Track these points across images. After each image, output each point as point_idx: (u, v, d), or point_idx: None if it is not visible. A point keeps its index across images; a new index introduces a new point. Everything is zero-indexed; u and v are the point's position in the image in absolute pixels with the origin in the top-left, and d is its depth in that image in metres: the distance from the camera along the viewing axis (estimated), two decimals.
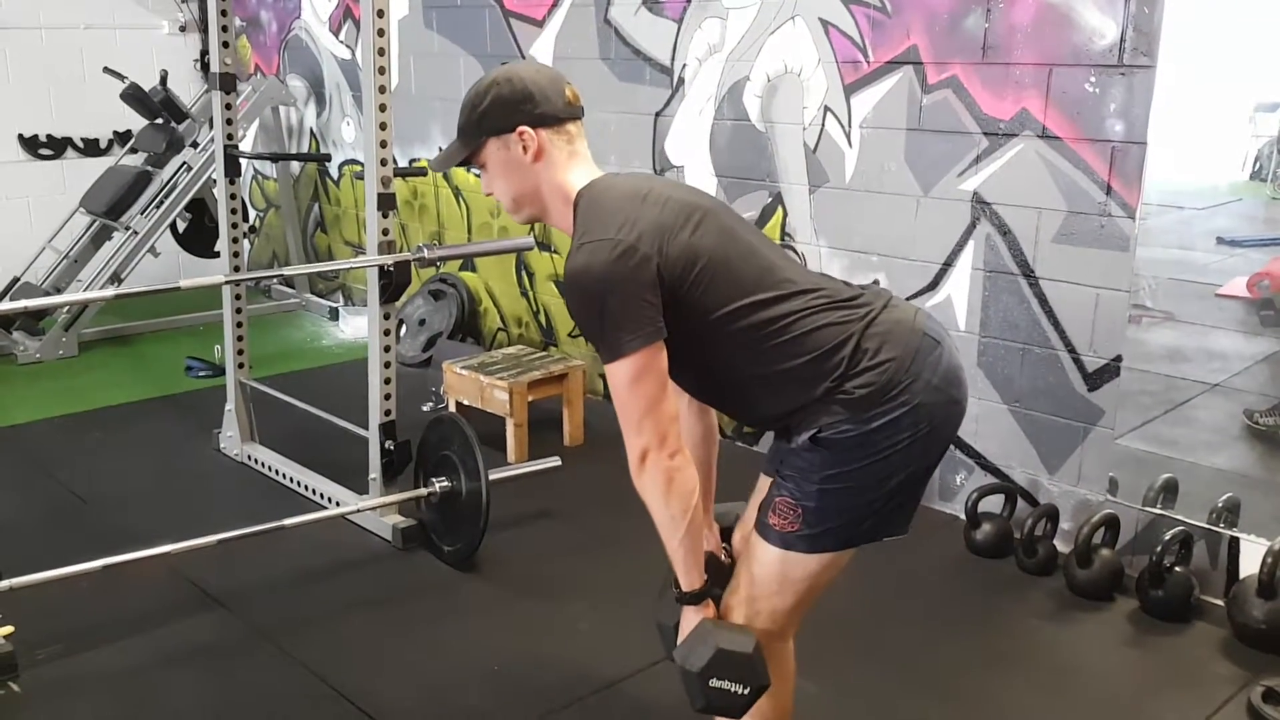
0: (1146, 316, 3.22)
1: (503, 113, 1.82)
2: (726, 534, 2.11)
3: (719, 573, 1.96)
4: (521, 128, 1.82)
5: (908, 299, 3.55)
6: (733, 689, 1.74)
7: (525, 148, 1.83)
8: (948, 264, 3.48)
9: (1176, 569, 3.01)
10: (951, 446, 3.49)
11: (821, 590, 1.93)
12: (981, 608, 3.10)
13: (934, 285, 3.52)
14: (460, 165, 1.93)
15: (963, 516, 3.43)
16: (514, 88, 1.82)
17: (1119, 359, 3.17)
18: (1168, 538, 3.00)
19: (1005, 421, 3.44)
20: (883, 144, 3.57)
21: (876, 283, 3.67)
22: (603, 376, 4.67)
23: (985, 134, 3.31)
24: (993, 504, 3.40)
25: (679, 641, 1.83)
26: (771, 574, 1.87)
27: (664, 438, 1.72)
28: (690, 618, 1.83)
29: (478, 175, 1.96)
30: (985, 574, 3.28)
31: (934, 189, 3.47)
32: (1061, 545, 3.28)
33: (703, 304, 1.75)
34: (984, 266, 3.40)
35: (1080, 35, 3.07)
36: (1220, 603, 3.00)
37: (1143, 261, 3.10)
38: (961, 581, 3.25)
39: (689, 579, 1.81)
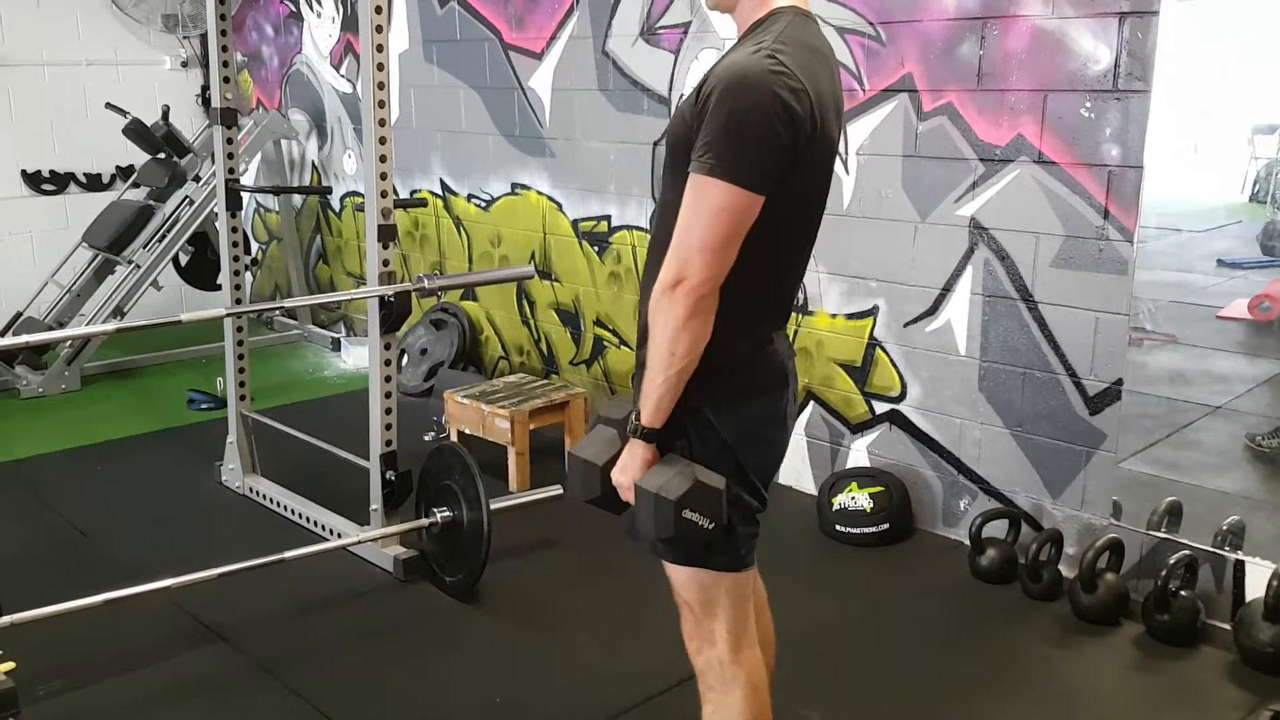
0: (1147, 339, 3.22)
1: None
2: None
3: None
4: None
5: (908, 324, 3.58)
6: (700, 522, 1.76)
7: None
8: (946, 289, 3.49)
9: (1182, 593, 2.99)
10: (955, 472, 3.53)
11: (745, 589, 1.95)
12: (986, 633, 3.09)
13: (933, 310, 3.53)
14: None
15: (967, 542, 3.42)
16: None
17: (1120, 382, 3.17)
18: (1172, 561, 2.99)
19: (1008, 446, 3.43)
20: (880, 171, 3.58)
21: (877, 306, 3.68)
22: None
23: (981, 160, 3.33)
24: (997, 529, 3.39)
25: (632, 472, 1.81)
26: (681, 582, 1.92)
27: (709, 279, 1.66)
28: (639, 452, 1.80)
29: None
30: (990, 599, 3.26)
31: (931, 215, 3.48)
32: (1066, 570, 3.26)
33: (775, 199, 1.67)
34: (983, 291, 3.41)
35: (1074, 61, 3.09)
36: (1226, 626, 2.98)
37: (1142, 285, 3.10)
38: (966, 607, 3.23)
39: (656, 417, 1.77)
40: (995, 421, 3.45)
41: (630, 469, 1.81)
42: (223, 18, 3.71)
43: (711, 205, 1.63)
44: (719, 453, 1.81)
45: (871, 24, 3.51)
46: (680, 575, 1.91)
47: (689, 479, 1.76)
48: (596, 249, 4.62)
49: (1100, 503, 3.26)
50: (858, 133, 3.62)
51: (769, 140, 1.63)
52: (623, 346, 4.62)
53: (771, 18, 1.76)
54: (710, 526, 1.77)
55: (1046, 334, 3.28)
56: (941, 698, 2.77)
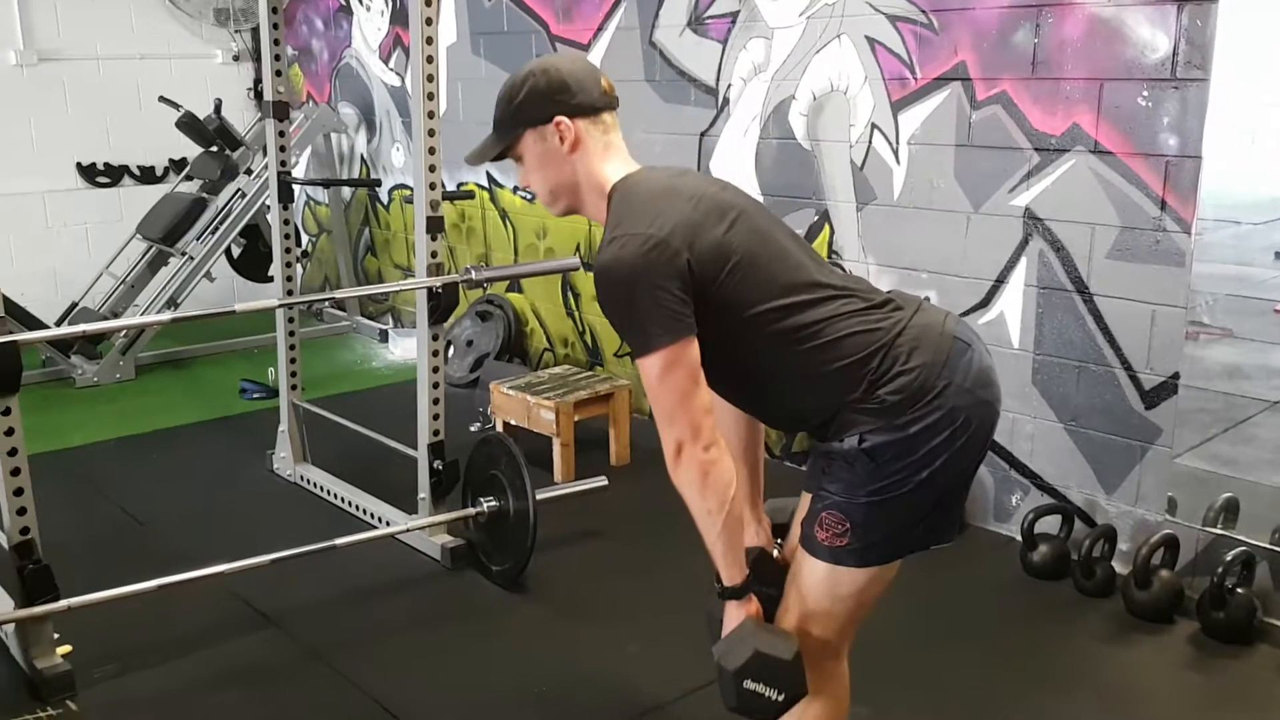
0: (1204, 333, 3.16)
1: (540, 103, 1.82)
2: (780, 530, 2.07)
3: (768, 569, 1.93)
4: (559, 118, 1.82)
5: (960, 316, 3.52)
6: (767, 693, 1.70)
7: (562, 138, 1.82)
8: (1000, 281, 3.44)
9: (1238, 590, 2.93)
10: (1007, 467, 3.49)
11: (871, 604, 1.91)
12: (1038, 630, 3.05)
13: (986, 302, 3.49)
14: (496, 159, 1.92)
15: (1019, 538, 3.38)
16: (550, 78, 1.83)
17: (1176, 376, 3.11)
18: (1229, 558, 2.94)
19: (1061, 440, 3.39)
20: (931, 160, 3.54)
21: (927, 299, 3.63)
22: None
23: (1036, 149, 3.28)
24: (1049, 525, 3.34)
25: (721, 638, 1.79)
26: (820, 591, 1.85)
27: (698, 430, 1.70)
28: (733, 614, 1.80)
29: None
30: (1042, 596, 3.22)
31: (985, 205, 3.44)
32: (1120, 566, 3.21)
33: (733, 304, 1.74)
34: (1037, 283, 3.36)
35: (1132, 49, 3.03)
36: None
37: (1199, 277, 3.04)
38: (1018, 603, 3.20)
39: (729, 574, 1.78)
40: (1049, 415, 3.40)
41: (724, 634, 1.80)
42: (274, 11, 3.74)
43: (657, 376, 1.70)
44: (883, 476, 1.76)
45: (924, 11, 3.46)
46: (816, 574, 1.84)
47: (749, 649, 1.70)
48: None
49: (1155, 498, 3.20)
50: (908, 122, 3.58)
51: (659, 297, 1.68)
52: None
53: (610, 204, 1.82)
54: (780, 699, 1.71)
55: (1102, 327, 3.23)
56: (992, 695, 2.74)
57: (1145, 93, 3.03)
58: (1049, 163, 3.26)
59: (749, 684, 1.70)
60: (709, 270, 1.71)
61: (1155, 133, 3.03)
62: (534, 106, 1.82)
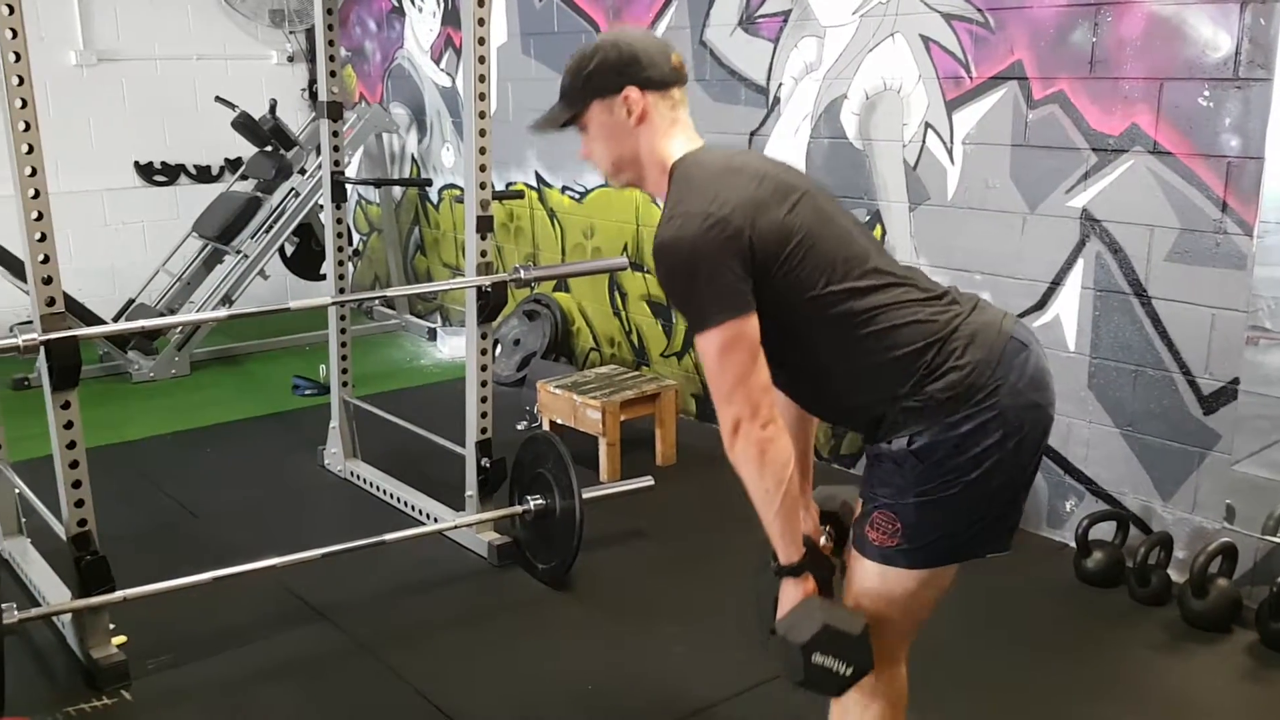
0: (1265, 338, 3.09)
1: (610, 75, 1.82)
2: (827, 518, 2.05)
3: (816, 558, 1.92)
4: (627, 90, 1.82)
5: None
6: (835, 667, 1.69)
7: (630, 111, 1.83)
8: (1056, 283, 3.39)
9: None
10: (1062, 472, 3.44)
11: (928, 609, 1.89)
12: (1091, 638, 3.00)
13: (1042, 304, 3.44)
14: (562, 127, 1.92)
15: (1073, 544, 3.33)
16: (621, 51, 1.83)
17: (1236, 382, 3.05)
18: None
19: (1117, 446, 3.33)
20: (986, 160, 3.50)
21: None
22: (695, 395, 4.69)
23: (1094, 150, 3.23)
24: (1104, 531, 3.29)
25: (779, 615, 1.78)
26: (874, 594, 1.83)
27: (756, 408, 1.69)
28: (790, 591, 1.78)
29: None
30: (1096, 603, 3.17)
31: (1041, 206, 3.39)
32: (1176, 575, 3.15)
33: (792, 285, 1.72)
34: (1094, 285, 3.30)
35: (1193, 48, 2.97)
36: None
37: (1261, 281, 2.97)
38: (1071, 611, 3.15)
39: (787, 552, 1.76)
40: (1105, 420, 3.35)
41: (782, 611, 1.79)
42: (329, 12, 3.78)
43: (716, 352, 1.69)
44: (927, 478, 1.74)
45: (980, 10, 3.42)
46: (869, 576, 1.82)
47: (817, 622, 1.69)
48: None
49: (1213, 505, 3.14)
50: (963, 122, 3.54)
51: (719, 275, 1.68)
52: None
53: (672, 180, 1.82)
54: (849, 673, 1.70)
55: (1160, 330, 3.17)
56: (1044, 702, 2.70)
57: (1206, 92, 2.97)
58: (1107, 163, 3.21)
59: (818, 657, 1.68)
60: (770, 249, 1.70)
61: (1216, 133, 2.97)
62: (604, 78, 1.83)
